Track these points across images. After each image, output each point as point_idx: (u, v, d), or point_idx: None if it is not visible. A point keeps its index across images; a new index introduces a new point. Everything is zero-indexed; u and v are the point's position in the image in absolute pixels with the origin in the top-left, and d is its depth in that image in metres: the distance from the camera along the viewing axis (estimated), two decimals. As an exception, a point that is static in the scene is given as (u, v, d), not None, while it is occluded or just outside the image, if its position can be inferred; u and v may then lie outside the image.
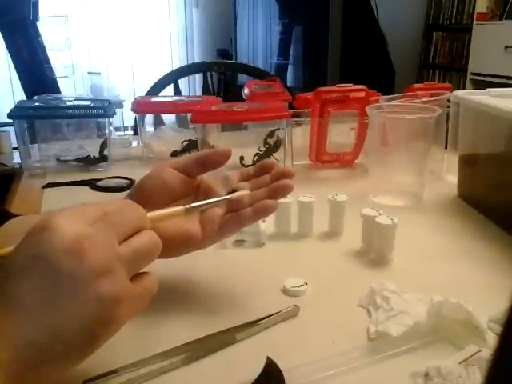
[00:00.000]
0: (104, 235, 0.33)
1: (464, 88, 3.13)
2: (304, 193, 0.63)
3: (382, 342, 0.41)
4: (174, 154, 0.98)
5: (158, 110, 1.04)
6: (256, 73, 1.60)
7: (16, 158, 1.84)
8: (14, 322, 0.30)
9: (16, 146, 0.98)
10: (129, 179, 0.86)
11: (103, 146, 0.95)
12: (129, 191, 0.48)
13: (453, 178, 0.80)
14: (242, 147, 0.86)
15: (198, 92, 3.24)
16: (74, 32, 3.15)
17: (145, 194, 0.46)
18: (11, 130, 1.61)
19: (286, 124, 0.85)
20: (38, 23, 2.38)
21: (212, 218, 0.46)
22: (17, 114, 0.92)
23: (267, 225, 0.62)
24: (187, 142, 0.98)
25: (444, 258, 0.58)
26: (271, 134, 0.85)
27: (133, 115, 1.01)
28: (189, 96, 1.50)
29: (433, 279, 0.53)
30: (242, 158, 0.85)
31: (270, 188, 0.47)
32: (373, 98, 0.87)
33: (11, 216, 0.50)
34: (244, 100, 1.04)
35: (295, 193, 0.49)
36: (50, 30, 2.69)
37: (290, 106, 0.99)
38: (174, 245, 0.45)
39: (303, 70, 3.20)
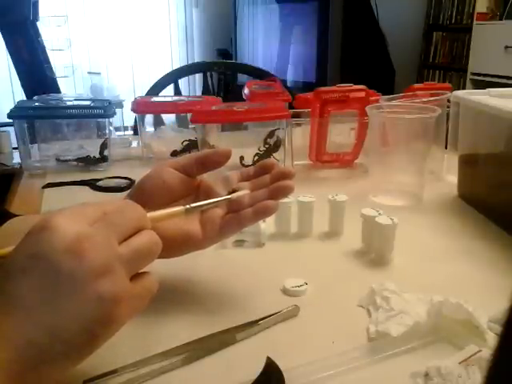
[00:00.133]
0: (104, 235, 0.33)
1: (464, 88, 3.13)
2: (304, 193, 0.63)
3: (381, 342, 0.41)
4: (174, 153, 0.98)
5: (158, 110, 1.04)
6: (256, 73, 1.60)
7: (16, 158, 1.85)
8: (14, 322, 0.30)
9: (16, 146, 0.98)
10: (129, 179, 0.86)
11: (103, 146, 0.95)
12: (129, 191, 0.48)
13: (453, 178, 0.80)
14: (242, 147, 0.86)
15: (198, 92, 3.24)
16: (74, 32, 3.15)
17: (145, 194, 0.46)
18: (11, 130, 1.61)
19: (286, 124, 0.85)
20: (38, 23, 2.38)
21: (212, 218, 0.46)
22: (17, 113, 0.92)
23: (267, 225, 0.62)
24: (187, 142, 0.98)
25: (444, 258, 0.58)
26: (271, 134, 0.85)
27: (133, 115, 1.01)
28: (189, 96, 1.50)
29: (433, 279, 0.53)
30: (241, 158, 0.85)
31: (271, 189, 0.47)
32: (373, 98, 0.87)
33: (11, 216, 0.50)
34: (244, 100, 1.04)
35: (295, 193, 0.49)
36: (49, 29, 2.69)
37: (290, 106, 0.99)
38: (175, 245, 0.45)
39: (303, 70, 3.19)
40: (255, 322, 0.44)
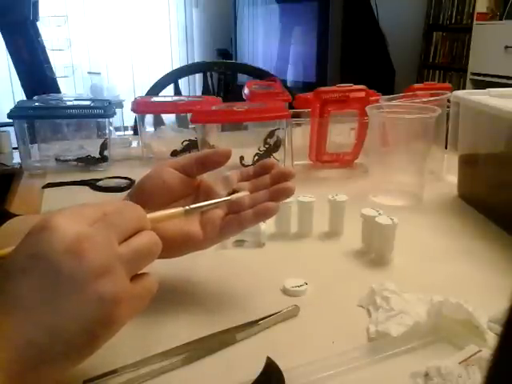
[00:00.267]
0: (104, 235, 0.33)
1: (464, 88, 3.13)
2: (304, 193, 0.63)
3: (381, 342, 0.41)
4: (174, 153, 0.98)
5: (158, 110, 1.04)
6: (256, 73, 1.60)
7: (16, 158, 1.85)
8: (14, 322, 0.30)
9: (16, 146, 0.98)
10: (129, 179, 0.86)
11: (103, 146, 0.95)
12: (128, 191, 0.48)
13: (453, 178, 0.80)
14: (242, 147, 0.86)
15: (198, 92, 3.24)
16: (74, 32, 3.15)
17: (145, 194, 0.46)
18: (11, 129, 1.61)
19: (286, 124, 0.85)
20: (38, 23, 2.38)
21: (213, 219, 0.46)
22: (17, 113, 0.92)
23: (267, 225, 0.62)
24: (187, 142, 0.98)
25: (444, 258, 0.58)
26: (271, 134, 0.85)
27: (133, 115, 1.01)
28: (189, 96, 1.50)
29: (433, 279, 0.53)
30: (241, 158, 0.85)
31: (271, 190, 0.47)
32: (373, 98, 0.87)
33: (11, 216, 0.50)
34: (244, 100, 1.04)
35: (295, 193, 0.49)
36: (49, 29, 2.69)
37: (290, 106, 0.99)
38: (175, 245, 0.45)
39: (303, 70, 3.20)
40: (255, 322, 0.44)
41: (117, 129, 2.80)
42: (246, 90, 1.05)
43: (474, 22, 3.09)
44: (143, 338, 0.42)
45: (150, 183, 0.47)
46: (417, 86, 0.92)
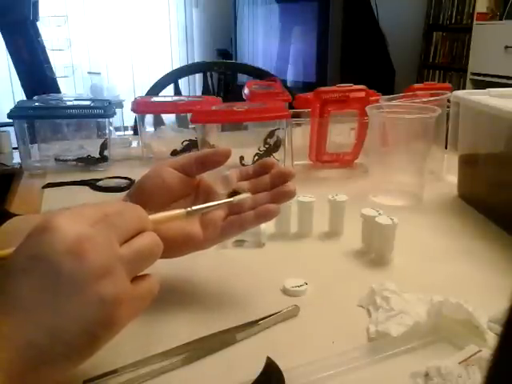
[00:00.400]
0: (105, 236, 0.33)
1: (464, 88, 3.13)
2: (304, 193, 0.63)
3: (381, 342, 0.41)
4: (174, 153, 0.98)
5: (158, 110, 1.04)
6: (256, 73, 1.60)
7: (16, 158, 1.85)
8: (15, 323, 0.30)
9: (16, 146, 0.98)
10: (129, 179, 0.86)
11: (103, 146, 0.95)
12: (128, 191, 0.48)
13: (453, 178, 0.80)
14: (242, 147, 0.86)
15: (198, 92, 3.24)
16: (74, 32, 3.15)
17: (144, 194, 0.46)
18: (11, 129, 1.61)
19: (286, 124, 0.85)
20: (38, 23, 2.38)
21: (214, 220, 0.46)
22: (17, 113, 0.92)
23: (267, 225, 0.61)
24: (187, 142, 0.98)
25: (444, 258, 0.58)
26: (271, 134, 0.85)
27: (133, 115, 1.01)
28: (189, 96, 1.50)
29: (433, 279, 0.53)
30: (241, 158, 0.85)
31: (273, 193, 0.47)
32: (373, 98, 0.87)
33: (11, 216, 0.50)
34: (244, 100, 1.04)
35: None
36: (50, 29, 2.69)
37: (290, 106, 0.99)
38: (175, 246, 0.45)
39: (303, 70, 3.20)
40: (255, 322, 0.44)
41: (117, 129, 2.80)
42: (246, 90, 1.05)
43: (474, 22, 3.09)
44: (143, 337, 0.42)
45: (149, 183, 0.47)
46: (417, 86, 0.92)
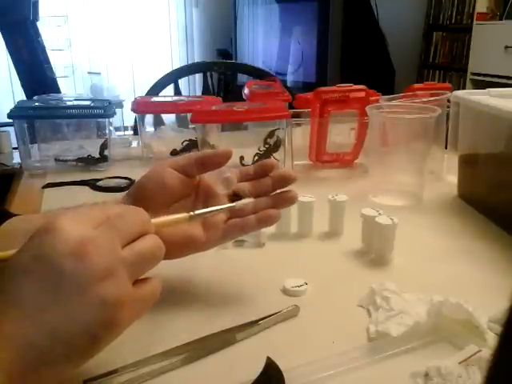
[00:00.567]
0: (107, 238, 0.33)
1: (464, 88, 3.13)
2: (304, 193, 0.63)
3: (381, 342, 0.41)
4: (174, 153, 0.98)
5: (158, 110, 1.04)
6: (256, 73, 1.60)
7: (16, 158, 1.85)
8: (15, 323, 0.30)
9: (16, 145, 0.98)
10: (129, 179, 0.86)
11: (103, 146, 0.95)
12: (127, 191, 0.48)
13: (453, 178, 0.80)
14: (242, 147, 0.86)
15: (198, 92, 3.24)
16: (74, 32, 3.15)
17: (144, 194, 0.46)
18: (11, 130, 1.61)
19: (286, 124, 0.85)
20: (38, 23, 2.38)
21: (215, 223, 0.46)
22: (17, 113, 0.92)
23: (267, 225, 0.62)
24: (187, 142, 0.98)
25: (444, 258, 0.58)
26: (271, 134, 0.85)
27: (133, 115, 1.01)
28: (189, 96, 1.50)
29: (433, 279, 0.53)
30: (241, 158, 0.85)
31: (274, 198, 0.47)
32: (373, 98, 0.87)
33: (11, 216, 0.50)
34: (244, 100, 1.04)
35: (295, 193, 0.49)
36: (49, 29, 2.69)
37: (290, 106, 0.99)
38: (177, 247, 0.45)
39: (303, 70, 3.20)
40: (255, 322, 0.44)
41: (117, 129, 2.80)
42: (246, 90, 1.05)
43: (474, 22, 3.09)
44: (144, 337, 0.42)
45: (149, 183, 0.47)
46: (417, 86, 0.92)
